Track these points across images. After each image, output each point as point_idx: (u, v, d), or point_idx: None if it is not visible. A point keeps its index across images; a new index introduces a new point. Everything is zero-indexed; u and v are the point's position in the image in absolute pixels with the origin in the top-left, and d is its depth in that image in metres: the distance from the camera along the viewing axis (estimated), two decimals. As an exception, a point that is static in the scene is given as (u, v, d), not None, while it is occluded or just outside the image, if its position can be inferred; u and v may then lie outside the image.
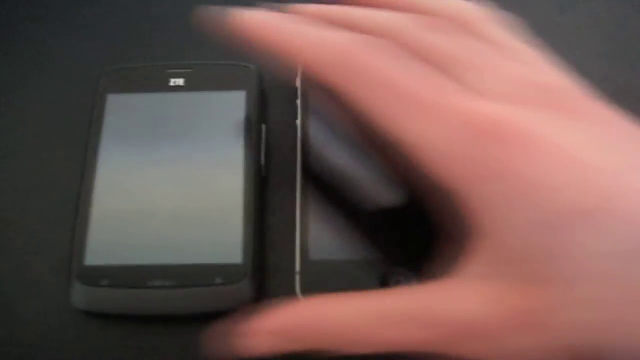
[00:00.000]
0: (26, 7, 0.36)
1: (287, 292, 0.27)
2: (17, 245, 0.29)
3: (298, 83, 0.31)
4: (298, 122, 0.30)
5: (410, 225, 0.27)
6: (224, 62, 0.32)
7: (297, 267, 0.27)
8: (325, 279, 0.26)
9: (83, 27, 0.35)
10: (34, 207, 0.29)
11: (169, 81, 0.31)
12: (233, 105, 0.30)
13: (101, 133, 0.30)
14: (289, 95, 0.32)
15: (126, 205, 0.28)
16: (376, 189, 0.28)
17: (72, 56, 0.34)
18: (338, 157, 0.29)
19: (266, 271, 0.28)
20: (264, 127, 0.30)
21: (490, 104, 0.19)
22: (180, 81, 0.31)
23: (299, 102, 0.30)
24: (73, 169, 0.29)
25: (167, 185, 0.28)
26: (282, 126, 0.31)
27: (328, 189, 0.28)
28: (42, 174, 0.30)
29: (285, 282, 0.27)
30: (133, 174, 0.29)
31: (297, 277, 0.26)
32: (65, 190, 0.29)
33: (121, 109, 0.30)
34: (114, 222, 0.28)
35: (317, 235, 0.27)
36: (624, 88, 0.31)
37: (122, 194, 0.28)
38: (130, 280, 0.26)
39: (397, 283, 0.26)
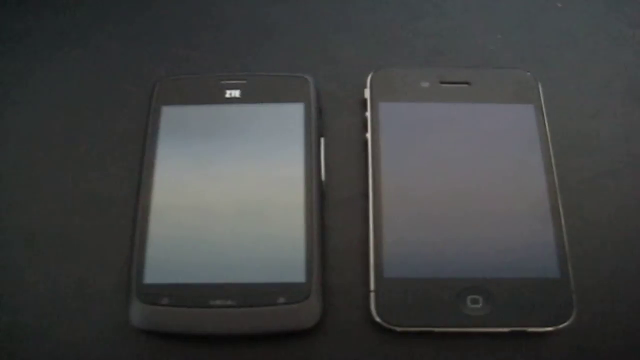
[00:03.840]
0: (82, 16, 0.35)
1: (355, 312, 0.26)
2: (77, 263, 0.28)
3: (367, 94, 0.30)
4: (368, 135, 0.29)
5: (482, 243, 0.26)
6: (280, 74, 0.31)
7: (372, 286, 0.26)
8: (400, 298, 0.25)
9: (139, 35, 0.34)
10: (93, 222, 0.29)
11: (224, 93, 0.30)
12: (291, 117, 0.29)
13: (157, 147, 0.29)
14: (348, 108, 0.31)
15: (185, 222, 0.27)
16: (454, 203, 0.27)
17: (127, 64, 0.33)
18: (413, 169, 0.28)
19: (331, 291, 0.27)
20: (322, 140, 0.30)
21: None
22: (236, 93, 0.30)
23: (368, 114, 0.29)
24: (131, 185, 0.29)
25: (226, 201, 0.28)
26: (338, 139, 0.30)
27: (402, 204, 0.27)
28: (101, 189, 0.30)
29: (353, 301, 0.26)
30: (191, 190, 0.28)
31: (372, 295, 0.26)
32: (125, 205, 0.29)
33: (176, 122, 0.30)
34: (173, 239, 0.27)
35: (392, 253, 0.26)
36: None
37: (180, 211, 0.28)
38: (191, 299, 0.26)
39: (474, 302, 0.25)
